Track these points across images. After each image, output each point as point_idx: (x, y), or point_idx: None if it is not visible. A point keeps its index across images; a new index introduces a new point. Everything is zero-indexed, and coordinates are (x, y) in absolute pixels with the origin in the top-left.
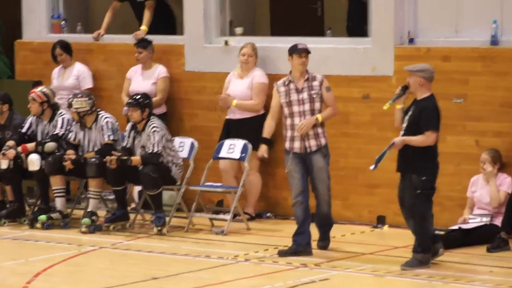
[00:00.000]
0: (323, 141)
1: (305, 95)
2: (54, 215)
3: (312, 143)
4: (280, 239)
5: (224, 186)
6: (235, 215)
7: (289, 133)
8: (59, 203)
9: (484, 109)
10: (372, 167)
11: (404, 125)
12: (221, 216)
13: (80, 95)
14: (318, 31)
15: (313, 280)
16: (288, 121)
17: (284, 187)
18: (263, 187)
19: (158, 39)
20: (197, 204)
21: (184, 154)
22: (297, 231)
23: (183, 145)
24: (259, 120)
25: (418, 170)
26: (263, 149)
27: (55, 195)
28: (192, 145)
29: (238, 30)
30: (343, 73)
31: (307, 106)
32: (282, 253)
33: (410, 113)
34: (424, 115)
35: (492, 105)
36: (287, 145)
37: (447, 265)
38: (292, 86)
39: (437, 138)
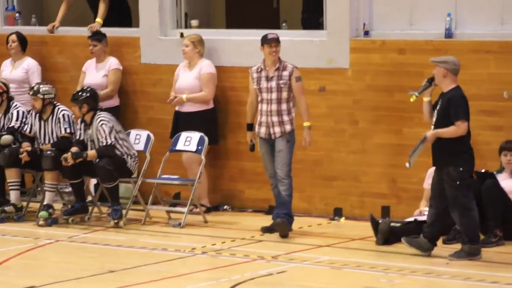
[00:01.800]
0: (288, 127)
1: (273, 83)
2: (7, 208)
3: (277, 130)
4: (237, 232)
5: (181, 179)
6: (192, 208)
7: (259, 118)
8: (13, 196)
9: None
10: (407, 164)
11: (434, 119)
12: (178, 208)
13: (45, 83)
14: (273, 23)
15: (270, 272)
16: (259, 107)
17: (240, 180)
18: (219, 179)
19: (113, 32)
20: (154, 196)
21: (140, 146)
22: (276, 206)
23: (139, 137)
24: (208, 114)
25: (455, 162)
26: (249, 136)
27: (10, 188)
28: (148, 137)
29: (194, 22)
30: (299, 66)
31: (274, 95)
32: (265, 229)
33: (438, 106)
34: (453, 106)
35: None
36: (256, 129)
37: (403, 257)
38: (263, 73)
39: (468, 127)
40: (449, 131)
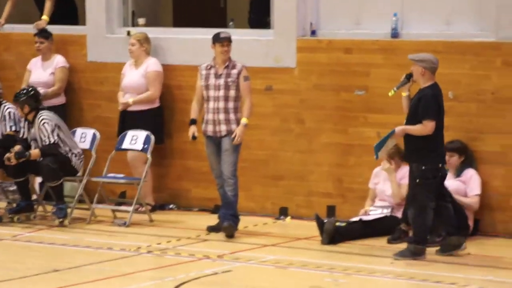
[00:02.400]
0: (234, 126)
1: (222, 81)
2: None
3: (223, 128)
4: (182, 231)
5: (127, 178)
6: (137, 207)
7: (205, 116)
8: None
9: (385, 101)
10: (375, 156)
11: (407, 114)
12: (123, 207)
13: None
14: (220, 22)
15: (215, 271)
16: (206, 104)
17: (186, 179)
18: (166, 178)
19: (60, 30)
20: (99, 195)
21: (86, 145)
22: (222, 205)
23: (85, 136)
24: (154, 112)
25: (418, 159)
26: (192, 129)
27: None
28: (94, 136)
29: (141, 20)
30: (246, 65)
31: (221, 92)
32: (211, 229)
33: (413, 101)
34: (422, 104)
35: (393, 97)
36: (203, 127)
37: (348, 257)
38: (212, 70)
39: (436, 126)
40: (416, 129)
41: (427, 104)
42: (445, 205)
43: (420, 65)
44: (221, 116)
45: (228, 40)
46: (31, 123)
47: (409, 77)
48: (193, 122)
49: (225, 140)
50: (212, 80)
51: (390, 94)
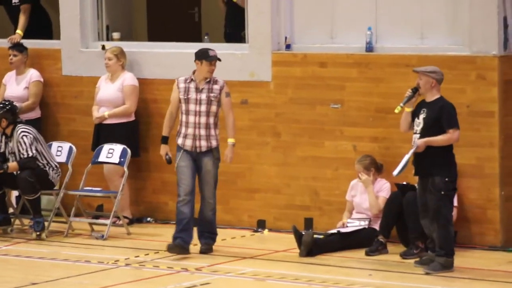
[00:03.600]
0: (214, 143)
1: (203, 96)
2: None
3: (203, 144)
4: (160, 244)
5: (104, 191)
6: (115, 220)
7: (183, 130)
8: None
9: (360, 115)
10: (395, 172)
11: (418, 128)
12: (100, 220)
13: None
14: (195, 36)
15: (194, 284)
16: (184, 118)
17: (163, 192)
18: (143, 191)
19: (34, 44)
20: (76, 208)
21: (62, 158)
22: (182, 228)
23: (61, 149)
24: (130, 126)
25: (441, 172)
26: (165, 149)
27: None
28: (70, 149)
29: (115, 35)
30: (222, 78)
31: (203, 107)
32: (170, 248)
33: (424, 115)
34: (446, 114)
35: (368, 111)
36: (179, 141)
37: (326, 269)
38: (192, 84)
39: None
40: (442, 139)
41: (451, 113)
42: None
43: (432, 76)
44: (202, 132)
45: (216, 59)
46: (8, 137)
47: (415, 91)
48: (165, 140)
49: (207, 160)
50: (192, 94)
51: (396, 111)
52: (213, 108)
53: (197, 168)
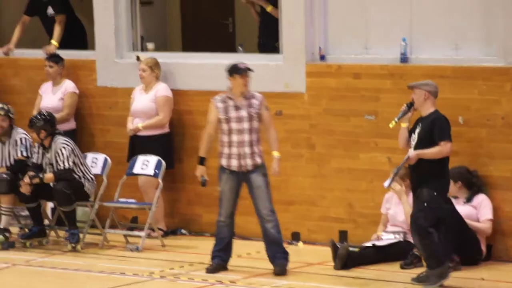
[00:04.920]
0: (258, 160)
1: (244, 112)
2: None
3: (249, 162)
4: (195, 256)
5: (138, 203)
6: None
7: (226, 150)
8: None
9: (395, 127)
10: (386, 183)
11: (413, 142)
12: (135, 232)
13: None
14: (229, 47)
15: None
16: (226, 138)
17: (197, 204)
18: (177, 203)
19: (69, 54)
20: (111, 220)
21: (97, 170)
22: (221, 248)
23: (96, 161)
24: (164, 138)
25: (430, 184)
26: (201, 171)
27: None
28: (105, 161)
29: (150, 45)
30: (256, 90)
31: (246, 125)
32: (210, 270)
33: (418, 129)
34: (438, 126)
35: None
36: (224, 162)
37: (361, 282)
38: (231, 102)
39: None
40: (432, 152)
41: (443, 125)
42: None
43: (424, 89)
44: (247, 150)
45: (249, 71)
46: (46, 148)
47: (410, 106)
48: (202, 161)
49: (255, 176)
50: (232, 113)
51: (391, 125)
52: (255, 124)
53: (248, 187)
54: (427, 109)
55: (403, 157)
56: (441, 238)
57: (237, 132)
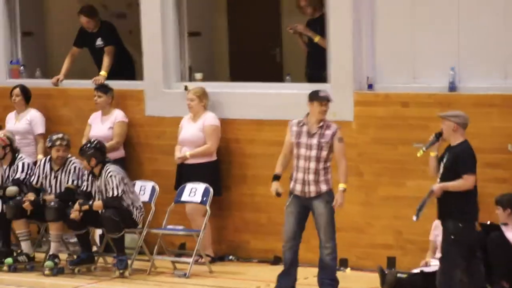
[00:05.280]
0: (324, 187)
1: (314, 141)
2: (20, 258)
3: (312, 189)
4: (242, 282)
5: (186, 229)
6: (197, 258)
7: (294, 174)
8: (24, 246)
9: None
10: (414, 217)
11: (440, 172)
12: (183, 259)
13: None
14: (277, 76)
15: None
16: (295, 162)
17: (245, 231)
18: (224, 230)
19: (118, 85)
20: (159, 247)
21: (145, 197)
22: (283, 272)
23: (144, 189)
24: (211, 166)
25: (455, 216)
26: (275, 185)
27: (20, 238)
28: (153, 188)
29: (198, 75)
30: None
31: (313, 153)
32: None
33: (445, 159)
34: (462, 159)
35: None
36: (290, 185)
37: None
38: (304, 128)
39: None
40: (456, 184)
41: (467, 158)
42: (477, 263)
43: (453, 120)
44: (311, 177)
45: (327, 100)
46: (96, 176)
47: (438, 136)
48: (277, 178)
49: (318, 203)
50: (304, 139)
51: (418, 154)
52: (323, 153)
53: (307, 213)
54: (455, 139)
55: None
56: (470, 271)
57: (304, 158)
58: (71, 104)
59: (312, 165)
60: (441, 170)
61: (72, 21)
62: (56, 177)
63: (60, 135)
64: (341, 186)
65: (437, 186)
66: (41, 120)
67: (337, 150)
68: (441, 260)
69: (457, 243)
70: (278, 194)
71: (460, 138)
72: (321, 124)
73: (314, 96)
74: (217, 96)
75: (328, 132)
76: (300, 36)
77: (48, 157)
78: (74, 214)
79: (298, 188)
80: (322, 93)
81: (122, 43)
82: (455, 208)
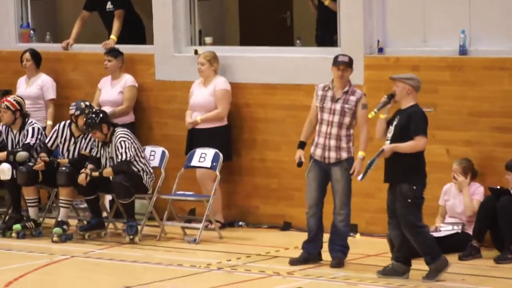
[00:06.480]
0: (344, 155)
1: (338, 106)
2: (28, 224)
3: (332, 155)
4: (252, 247)
5: (196, 195)
6: (207, 224)
7: (315, 139)
8: (32, 212)
9: (454, 119)
10: (360, 177)
11: (390, 134)
12: (193, 224)
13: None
14: (287, 40)
15: None
16: (318, 127)
17: (255, 196)
18: (234, 195)
19: (127, 49)
20: (169, 212)
21: (155, 163)
22: (308, 240)
23: (154, 154)
24: (222, 130)
25: (409, 179)
26: (299, 153)
27: (28, 205)
28: (163, 153)
29: (208, 39)
30: (313, 82)
31: (336, 118)
32: (293, 261)
33: (395, 122)
34: (414, 121)
35: (461, 114)
36: (311, 149)
37: (419, 273)
38: (329, 93)
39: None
40: (408, 146)
41: (419, 120)
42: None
43: (408, 83)
44: (332, 143)
45: (344, 64)
46: (107, 143)
47: (390, 97)
48: (302, 145)
49: (335, 169)
50: (328, 103)
51: (370, 116)
52: (346, 120)
53: (327, 178)
54: (407, 102)
55: (462, 149)
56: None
57: (326, 123)
58: (81, 68)
59: (334, 130)
60: (391, 132)
61: None
62: (75, 143)
63: (87, 103)
64: (360, 154)
65: (388, 146)
66: (53, 86)
67: (360, 117)
68: (403, 226)
69: (414, 204)
70: (299, 164)
71: (412, 101)
72: (346, 89)
73: (333, 61)
74: (227, 60)
75: (353, 98)
76: (310, 0)
77: (68, 121)
78: (81, 178)
79: (319, 153)
80: (341, 57)
81: (132, 7)
82: (408, 170)
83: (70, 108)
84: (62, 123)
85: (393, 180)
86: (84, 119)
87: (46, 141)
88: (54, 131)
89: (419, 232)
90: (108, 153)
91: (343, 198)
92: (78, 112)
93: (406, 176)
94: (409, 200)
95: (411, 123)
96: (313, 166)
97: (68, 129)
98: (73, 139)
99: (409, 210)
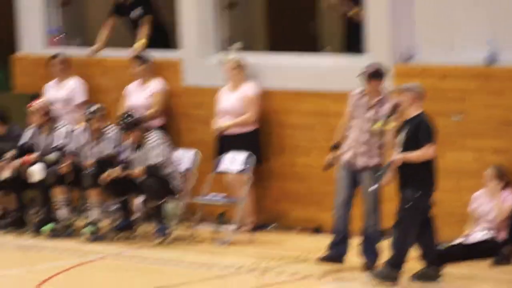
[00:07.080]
0: (372, 161)
1: (370, 113)
2: (59, 225)
3: (360, 161)
4: (282, 251)
5: (226, 198)
6: (238, 227)
7: (346, 144)
8: (62, 213)
9: (482, 127)
10: (371, 188)
11: (399, 144)
12: (224, 227)
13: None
14: (315, 48)
15: None
16: (349, 132)
17: (285, 200)
18: (265, 199)
19: (156, 54)
20: (200, 215)
21: (186, 165)
22: (334, 241)
23: (185, 156)
24: (251, 136)
25: (413, 185)
26: (329, 155)
27: (58, 205)
28: (194, 156)
29: (236, 45)
30: (342, 89)
31: (367, 125)
32: (322, 259)
33: (404, 131)
34: (422, 129)
35: (490, 123)
36: (342, 154)
37: (450, 279)
38: (364, 100)
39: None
40: (416, 155)
41: (427, 128)
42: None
43: (407, 94)
44: (362, 149)
45: (375, 80)
46: (139, 145)
47: (395, 108)
48: (335, 147)
49: (364, 175)
50: (361, 110)
51: (375, 127)
52: None
53: (357, 183)
54: (413, 112)
55: (490, 157)
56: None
57: (359, 131)
58: (109, 73)
59: (364, 137)
60: (401, 141)
61: None
62: (96, 146)
63: (97, 107)
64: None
65: (398, 156)
66: (83, 89)
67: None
68: (394, 226)
69: (412, 210)
70: (328, 166)
71: (417, 110)
72: (380, 97)
73: (364, 73)
74: (255, 66)
75: (386, 106)
76: (336, 9)
77: (86, 126)
78: (104, 176)
79: (346, 157)
80: (372, 71)
81: (157, 14)
82: (414, 177)
83: (85, 112)
84: (81, 127)
85: (400, 187)
86: (117, 122)
87: (70, 147)
88: (75, 136)
89: (406, 234)
90: (138, 155)
91: (373, 204)
92: (90, 116)
93: (411, 182)
94: (408, 204)
95: (419, 132)
96: (342, 168)
97: (87, 133)
98: (93, 142)
99: (406, 214)
